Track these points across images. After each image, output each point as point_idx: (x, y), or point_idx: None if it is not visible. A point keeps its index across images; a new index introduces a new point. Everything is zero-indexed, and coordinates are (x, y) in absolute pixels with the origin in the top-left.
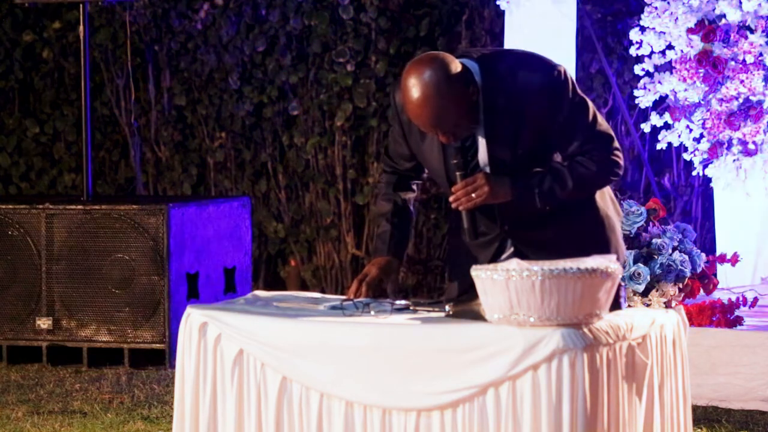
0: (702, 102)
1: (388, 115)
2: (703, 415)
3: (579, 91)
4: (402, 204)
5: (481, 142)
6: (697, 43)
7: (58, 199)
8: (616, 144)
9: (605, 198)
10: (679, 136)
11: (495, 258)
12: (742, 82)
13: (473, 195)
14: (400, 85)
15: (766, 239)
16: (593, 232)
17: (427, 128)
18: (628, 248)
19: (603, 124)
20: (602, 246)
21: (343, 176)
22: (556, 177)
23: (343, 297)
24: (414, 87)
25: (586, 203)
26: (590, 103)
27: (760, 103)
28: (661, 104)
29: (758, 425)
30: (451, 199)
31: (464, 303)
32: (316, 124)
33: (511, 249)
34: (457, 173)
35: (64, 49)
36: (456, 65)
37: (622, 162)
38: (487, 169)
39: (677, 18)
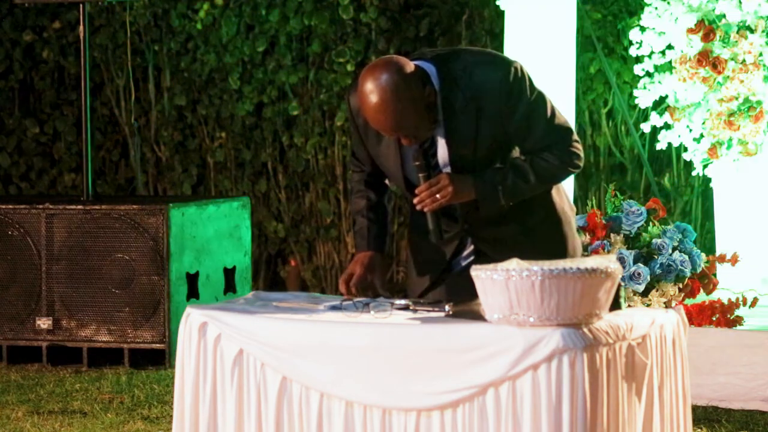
0: (702, 102)
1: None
2: (703, 415)
3: (536, 86)
4: (376, 199)
5: (441, 143)
6: (697, 43)
7: (58, 199)
8: (575, 136)
9: (560, 193)
10: (679, 136)
11: (455, 256)
12: (742, 82)
13: (437, 196)
14: (357, 90)
15: (766, 239)
16: (551, 228)
17: (388, 132)
18: (628, 248)
19: (561, 117)
20: (559, 241)
21: (343, 176)
22: (518, 173)
23: (344, 297)
24: (372, 93)
25: (543, 199)
26: (548, 97)
27: (760, 103)
28: (661, 104)
29: (758, 425)
30: (415, 201)
31: (464, 303)
32: (316, 124)
33: (471, 246)
34: (420, 175)
35: (64, 49)
36: (411, 67)
37: (581, 153)
38: (448, 169)
39: (677, 18)
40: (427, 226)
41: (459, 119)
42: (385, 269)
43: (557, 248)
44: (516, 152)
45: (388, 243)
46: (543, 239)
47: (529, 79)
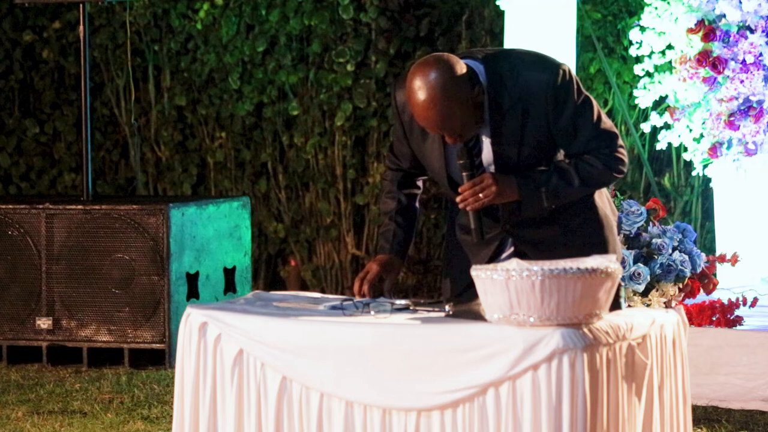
0: (702, 102)
1: (389, 114)
2: (703, 415)
3: (583, 89)
4: (406, 202)
5: (486, 142)
6: (697, 43)
7: (58, 199)
8: (621, 141)
9: (603, 197)
10: (679, 136)
11: (494, 257)
12: (742, 82)
13: (480, 195)
14: (405, 86)
15: (766, 239)
16: (592, 231)
17: (434, 130)
18: (628, 248)
19: (607, 122)
20: (601, 246)
21: (343, 176)
22: (562, 175)
23: (343, 297)
24: (420, 90)
25: (586, 203)
26: (594, 102)
27: (760, 103)
28: (661, 104)
29: (758, 425)
30: (458, 199)
31: (464, 303)
32: (316, 124)
33: (512, 248)
34: (464, 173)
35: (64, 49)
36: (461, 66)
37: (626, 159)
38: (492, 169)
39: (677, 18)
40: (468, 226)
41: (505, 119)
42: (398, 273)
43: (598, 252)
44: (561, 155)
45: (409, 248)
46: (584, 242)
47: (577, 82)
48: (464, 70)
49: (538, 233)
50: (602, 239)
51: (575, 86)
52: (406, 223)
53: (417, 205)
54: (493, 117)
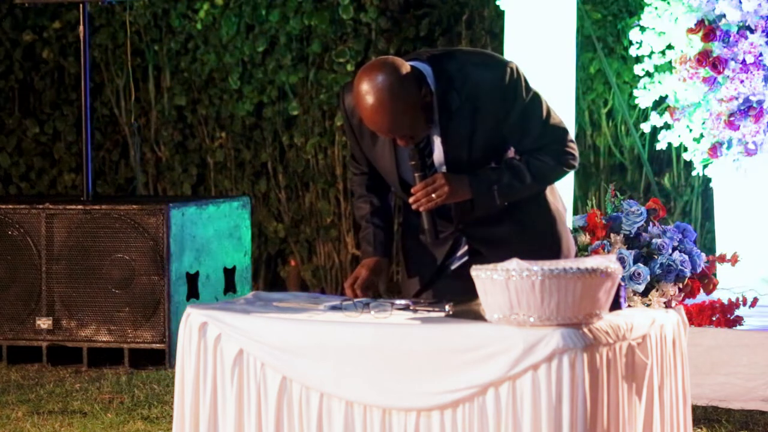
0: (702, 102)
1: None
2: (703, 415)
3: (531, 86)
4: (379, 203)
5: (437, 143)
6: (697, 43)
7: (58, 199)
8: (571, 136)
9: (554, 192)
10: (679, 136)
11: (449, 256)
12: (742, 82)
13: (433, 195)
14: (352, 91)
15: (766, 239)
16: (546, 227)
17: (384, 133)
18: (628, 248)
19: (556, 117)
20: (555, 241)
21: (343, 176)
22: (514, 173)
23: (344, 297)
24: (367, 94)
25: (538, 199)
26: (543, 98)
27: (760, 103)
28: (661, 104)
29: (758, 425)
30: (411, 200)
31: (464, 303)
32: (316, 124)
33: (466, 247)
34: (416, 174)
35: (64, 49)
36: (407, 68)
37: (577, 153)
38: (444, 169)
39: (677, 18)
40: (422, 226)
41: (455, 119)
42: (388, 274)
43: (552, 247)
44: (512, 153)
45: (393, 247)
46: (538, 238)
47: (525, 79)
48: (410, 72)
49: (492, 231)
50: (556, 234)
51: (523, 84)
52: (384, 224)
53: (391, 203)
54: (443, 117)
